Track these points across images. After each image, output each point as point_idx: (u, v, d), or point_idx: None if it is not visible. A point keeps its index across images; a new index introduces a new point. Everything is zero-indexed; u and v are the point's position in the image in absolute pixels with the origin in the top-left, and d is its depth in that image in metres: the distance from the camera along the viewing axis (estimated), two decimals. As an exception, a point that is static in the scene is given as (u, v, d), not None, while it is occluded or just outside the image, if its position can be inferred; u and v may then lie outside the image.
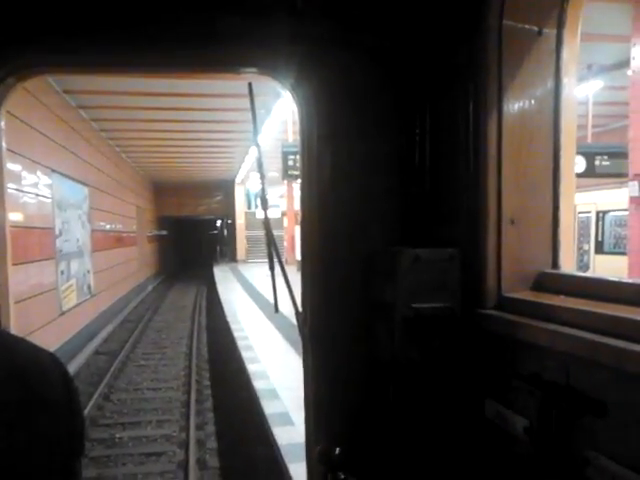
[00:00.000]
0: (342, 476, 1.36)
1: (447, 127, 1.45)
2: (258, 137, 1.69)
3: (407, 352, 1.34)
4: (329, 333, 1.47)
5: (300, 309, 1.54)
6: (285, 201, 23.73)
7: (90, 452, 6.31)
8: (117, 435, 6.92)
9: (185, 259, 33.79)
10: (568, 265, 1.39)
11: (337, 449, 1.37)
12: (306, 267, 1.53)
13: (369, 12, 1.48)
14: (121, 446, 6.63)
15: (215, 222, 35.17)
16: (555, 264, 1.37)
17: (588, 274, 1.29)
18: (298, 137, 1.53)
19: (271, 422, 5.82)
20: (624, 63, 9.66)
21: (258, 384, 7.19)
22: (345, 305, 1.47)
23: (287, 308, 1.61)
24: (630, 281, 1.18)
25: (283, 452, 4.95)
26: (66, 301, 10.55)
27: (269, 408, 6.24)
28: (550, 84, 1.36)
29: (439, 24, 1.46)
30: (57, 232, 10.06)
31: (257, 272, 21.01)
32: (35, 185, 9.03)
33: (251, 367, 8.11)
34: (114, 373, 9.79)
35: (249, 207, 31.82)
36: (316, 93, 1.47)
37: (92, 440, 6.65)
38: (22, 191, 8.45)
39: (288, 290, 1.52)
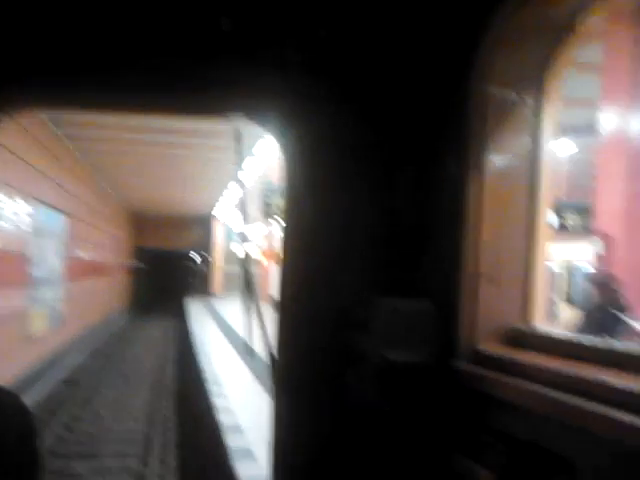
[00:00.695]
0: None
1: (430, 184, 1.48)
2: (240, 177, 1.74)
3: (378, 402, 1.34)
4: (300, 380, 1.47)
5: (274, 353, 1.53)
6: (264, 240, 23.83)
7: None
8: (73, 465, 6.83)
9: (158, 292, 33.45)
10: (540, 319, 1.43)
11: None
12: (283, 314, 1.54)
13: (359, 70, 1.52)
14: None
15: (190, 255, 35.04)
16: (527, 318, 1.40)
17: (557, 332, 1.30)
18: (283, 182, 1.56)
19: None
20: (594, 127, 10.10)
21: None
22: (319, 351, 1.47)
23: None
24: (600, 343, 1.21)
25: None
26: (34, 327, 10.43)
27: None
28: (529, 146, 1.42)
29: (427, 85, 1.52)
30: (29, 258, 10.03)
31: (233, 309, 20.91)
32: (13, 212, 9.06)
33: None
34: (79, 402, 9.64)
35: (228, 241, 31.86)
36: (302, 142, 1.49)
37: (52, 472, 6.55)
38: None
39: (263, 335, 1.55)
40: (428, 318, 1.36)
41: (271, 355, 1.52)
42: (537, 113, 1.42)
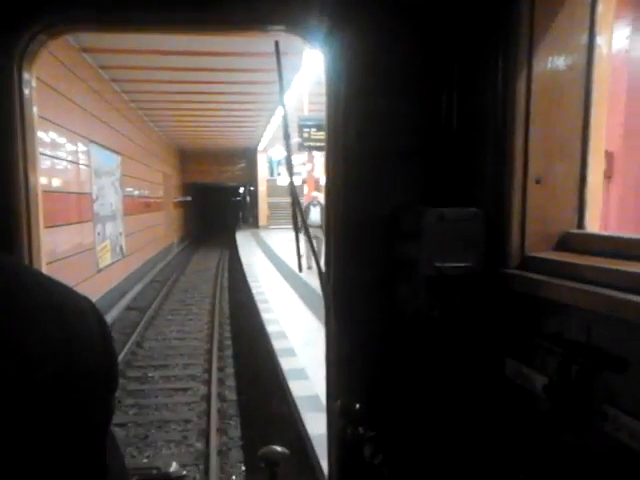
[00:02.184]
0: (361, 430, 1.37)
1: (475, 87, 1.44)
2: (284, 97, 1.63)
3: (429, 310, 1.34)
4: (351, 291, 1.48)
5: (323, 268, 1.54)
6: (306, 168, 24.39)
7: (130, 387, 7.42)
8: (150, 374, 8.03)
9: (209, 225, 34.83)
10: (594, 226, 1.37)
11: (357, 404, 1.38)
12: (330, 226, 1.53)
13: None
14: (152, 383, 7.73)
15: (238, 189, 36.06)
16: (580, 224, 1.35)
17: (612, 233, 1.29)
18: (324, 97, 1.52)
19: (280, 356, 6.81)
20: None
21: (276, 341, 8.19)
22: (368, 263, 1.48)
23: (304, 272, 1.90)
24: None
25: (298, 404, 5.53)
26: (102, 260, 11.65)
27: (278, 344, 7.24)
28: (583, 40, 1.32)
29: None
30: (94, 197, 11.10)
31: (278, 238, 21.99)
32: (75, 154, 10.02)
33: (267, 318, 9.12)
34: (144, 325, 10.92)
35: (271, 174, 32.63)
36: (346, 50, 1.46)
37: (130, 379, 7.76)
38: (65, 160, 9.45)
39: (312, 250, 1.55)
40: (477, 225, 1.34)
41: (321, 272, 1.52)
42: (593, 6, 1.32)
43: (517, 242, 1.33)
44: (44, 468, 0.61)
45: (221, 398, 7.10)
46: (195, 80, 13.34)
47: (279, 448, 1.43)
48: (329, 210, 1.53)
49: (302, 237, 1.68)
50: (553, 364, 1.14)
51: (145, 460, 5.41)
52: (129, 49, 10.72)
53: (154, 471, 1.35)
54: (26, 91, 1.44)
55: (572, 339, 1.12)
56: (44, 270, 1.51)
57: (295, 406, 5.61)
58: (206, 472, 5.14)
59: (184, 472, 1.32)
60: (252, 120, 20.23)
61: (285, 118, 1.61)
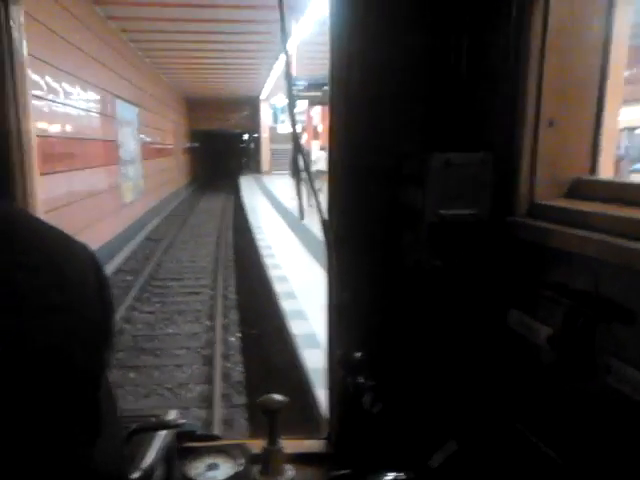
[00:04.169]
0: (361, 380, 1.34)
1: (486, 23, 1.33)
2: (287, 44, 1.54)
3: (432, 258, 1.29)
4: (354, 237, 1.42)
5: (325, 215, 1.46)
6: (304, 117, 26.04)
7: (155, 291, 9.80)
8: (168, 284, 10.42)
9: (214, 170, 36.69)
10: (607, 172, 1.28)
11: (358, 354, 1.36)
12: (333, 172, 1.45)
13: None
14: (172, 289, 10.13)
15: (242, 136, 37.82)
16: (593, 170, 1.26)
17: (626, 180, 1.18)
18: (327, 36, 1.40)
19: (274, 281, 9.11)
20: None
21: (272, 272, 10.49)
22: (371, 211, 1.41)
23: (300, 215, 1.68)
24: None
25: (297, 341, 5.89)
26: (126, 197, 13.93)
27: (280, 288, 9.56)
28: None
29: None
30: (119, 144, 13.27)
31: (280, 183, 24.12)
32: (105, 107, 12.12)
33: (265, 254, 11.42)
34: (162, 251, 13.28)
35: (275, 122, 34.28)
36: None
37: (154, 286, 10.15)
38: (98, 113, 11.57)
39: (314, 195, 1.48)
40: (485, 171, 1.26)
41: (323, 219, 1.43)
42: None
43: (526, 189, 1.26)
44: (31, 421, 0.57)
45: (224, 298, 9.47)
46: (199, 30, 13.92)
47: (278, 396, 1.39)
48: (332, 157, 1.47)
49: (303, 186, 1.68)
50: (558, 315, 1.08)
51: (170, 331, 7.79)
52: (136, 2, 11.38)
53: (153, 419, 1.31)
54: (13, 27, 1.36)
55: (579, 289, 1.06)
56: (43, 217, 1.24)
57: (276, 297, 7.90)
58: (211, 342, 7.46)
59: (184, 420, 1.32)
60: (255, 69, 21.31)
61: (288, 65, 1.59)
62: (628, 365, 0.94)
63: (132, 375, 6.31)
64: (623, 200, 1.10)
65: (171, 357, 6.91)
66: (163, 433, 1.29)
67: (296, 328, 6.30)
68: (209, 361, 6.68)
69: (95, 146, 11.13)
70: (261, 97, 31.45)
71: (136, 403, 5.61)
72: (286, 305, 7.24)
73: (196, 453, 1.41)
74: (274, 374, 5.97)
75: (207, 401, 5.70)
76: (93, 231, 10.16)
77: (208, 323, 8.13)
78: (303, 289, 7.84)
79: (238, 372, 6.49)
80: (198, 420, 5.31)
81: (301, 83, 14.35)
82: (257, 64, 20.32)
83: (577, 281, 1.07)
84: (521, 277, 1.27)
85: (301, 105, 21.96)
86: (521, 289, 1.27)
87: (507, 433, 1.30)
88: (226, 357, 6.88)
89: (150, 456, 1.20)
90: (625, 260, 0.94)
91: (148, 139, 18.31)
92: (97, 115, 11.47)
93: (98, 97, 11.42)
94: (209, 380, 6.17)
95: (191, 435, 1.46)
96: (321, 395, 4.01)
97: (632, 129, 16.59)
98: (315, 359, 5.29)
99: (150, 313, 8.61)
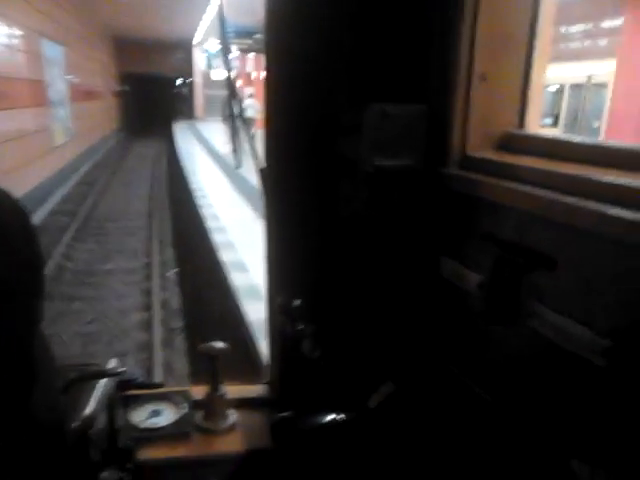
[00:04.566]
0: (301, 326, 1.37)
1: None
2: None
3: (368, 208, 1.32)
4: (292, 187, 1.42)
5: (263, 165, 1.45)
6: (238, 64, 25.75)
7: (92, 232, 9.99)
8: (105, 225, 10.60)
9: (146, 115, 35.75)
10: (534, 127, 1.32)
11: (297, 301, 1.38)
12: (271, 122, 1.44)
13: None
14: (108, 229, 10.34)
15: (174, 80, 36.85)
16: (522, 124, 1.30)
17: (552, 135, 1.22)
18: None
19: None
20: None
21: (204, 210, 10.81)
22: (309, 160, 1.41)
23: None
24: (591, 141, 1.14)
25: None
26: (56, 139, 13.71)
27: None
28: None
29: None
30: (47, 84, 12.97)
31: (213, 128, 23.98)
32: (31, 48, 11.79)
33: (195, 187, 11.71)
34: (98, 194, 13.29)
35: (209, 67, 33.54)
36: None
37: (90, 227, 10.32)
38: (23, 51, 11.28)
39: (249, 144, 1.48)
40: (421, 122, 1.28)
41: (260, 168, 1.43)
42: None
43: (459, 141, 1.29)
44: None
45: (159, 234, 9.81)
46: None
47: (219, 343, 1.42)
48: (269, 108, 1.44)
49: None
50: (488, 263, 1.13)
51: (109, 267, 8.11)
52: None
53: (94, 367, 1.30)
54: None
55: (506, 239, 1.11)
56: None
57: (207, 232, 8.32)
58: (149, 276, 7.85)
59: (123, 368, 1.31)
60: (188, 11, 20.79)
61: (221, 8, 1.58)
62: (550, 310, 0.99)
63: (76, 305, 6.67)
64: (549, 154, 1.14)
65: (111, 289, 7.29)
66: (103, 382, 1.28)
67: (226, 257, 6.81)
68: (148, 293, 7.11)
69: (22, 85, 10.91)
70: (194, 42, 30.63)
71: (81, 328, 6.01)
72: (217, 237, 7.71)
73: (139, 401, 1.46)
74: (206, 301, 6.50)
75: (147, 325, 6.17)
76: (23, 174, 10.14)
77: (145, 260, 8.49)
78: (232, 222, 8.31)
79: (175, 301, 6.97)
80: (138, 343, 5.78)
81: (230, 31, 14.31)
82: (190, 5, 19.82)
83: (505, 231, 1.12)
84: (453, 227, 1.31)
85: (235, 52, 21.72)
86: (453, 238, 1.31)
87: (441, 375, 1.35)
88: (164, 288, 7.32)
89: (91, 405, 1.19)
90: (547, 211, 0.99)
91: (76, 80, 17.78)
92: (23, 53, 11.18)
93: (22, 33, 11.11)
94: (148, 307, 6.62)
95: (133, 383, 1.48)
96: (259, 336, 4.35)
97: (544, 87, 17.53)
98: (241, 280, 5.85)
99: (89, 251, 8.86)
